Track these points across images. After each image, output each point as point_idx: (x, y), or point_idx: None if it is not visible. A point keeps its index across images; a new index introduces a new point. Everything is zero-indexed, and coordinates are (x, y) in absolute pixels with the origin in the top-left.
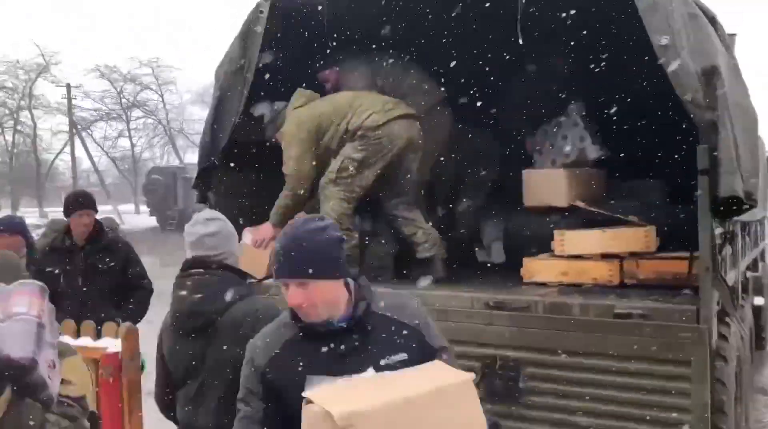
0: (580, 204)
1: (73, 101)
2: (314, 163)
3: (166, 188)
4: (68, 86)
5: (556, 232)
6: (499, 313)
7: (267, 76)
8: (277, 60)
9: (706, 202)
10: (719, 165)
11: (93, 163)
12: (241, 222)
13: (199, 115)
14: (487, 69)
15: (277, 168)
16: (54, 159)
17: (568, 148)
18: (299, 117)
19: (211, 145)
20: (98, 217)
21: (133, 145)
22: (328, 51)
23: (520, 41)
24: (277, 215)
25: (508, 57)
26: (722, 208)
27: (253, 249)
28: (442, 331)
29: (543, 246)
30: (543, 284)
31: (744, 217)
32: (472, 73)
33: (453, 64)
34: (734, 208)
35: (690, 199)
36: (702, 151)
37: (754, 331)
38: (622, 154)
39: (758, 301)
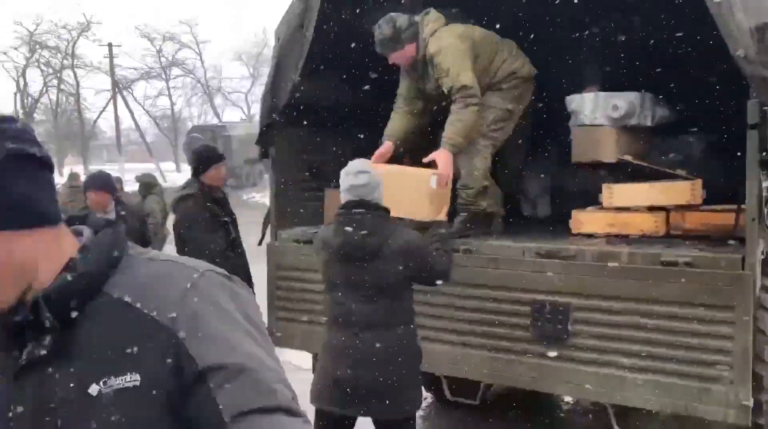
0: (628, 158)
1: (114, 60)
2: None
3: None
4: (110, 45)
5: (604, 186)
6: (549, 261)
7: (327, 35)
8: (338, 19)
9: (756, 155)
10: None
11: (135, 121)
12: (300, 178)
13: (236, 74)
14: (536, 27)
15: (337, 125)
16: (97, 118)
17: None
18: (457, 31)
19: (272, 103)
20: (139, 173)
21: (172, 104)
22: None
23: None
24: (460, 136)
25: (556, 18)
26: None
27: (432, 190)
28: (242, 329)
29: (589, 200)
30: (590, 235)
31: None
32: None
33: (497, 20)
34: None
35: (735, 154)
36: (753, 105)
37: None
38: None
39: None
